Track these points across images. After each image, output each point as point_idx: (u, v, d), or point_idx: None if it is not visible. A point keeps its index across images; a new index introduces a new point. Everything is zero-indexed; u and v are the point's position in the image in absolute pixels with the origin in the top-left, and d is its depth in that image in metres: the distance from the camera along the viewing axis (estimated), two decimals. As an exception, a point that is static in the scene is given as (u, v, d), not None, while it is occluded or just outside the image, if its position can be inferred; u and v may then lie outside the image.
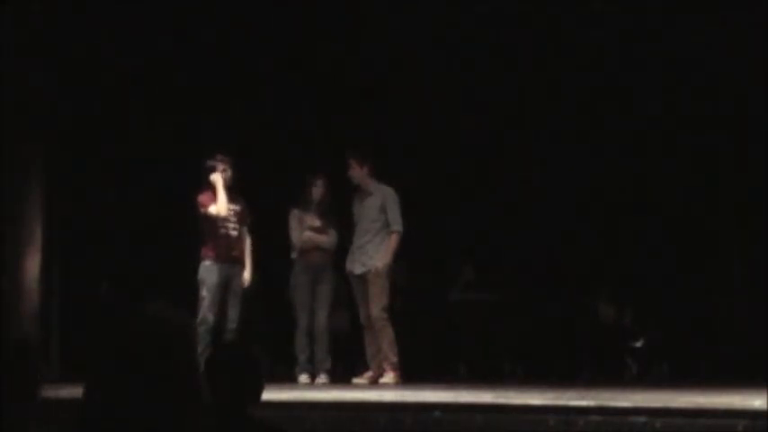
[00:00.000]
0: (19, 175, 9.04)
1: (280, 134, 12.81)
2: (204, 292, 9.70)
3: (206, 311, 9.64)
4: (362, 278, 9.98)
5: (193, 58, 12.48)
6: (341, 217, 10.27)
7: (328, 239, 10.26)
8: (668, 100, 12.36)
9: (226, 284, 9.81)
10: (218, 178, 9.82)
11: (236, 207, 9.93)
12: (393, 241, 9.95)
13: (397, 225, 9.94)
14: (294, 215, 10.32)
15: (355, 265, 10.03)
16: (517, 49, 12.56)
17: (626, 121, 12.54)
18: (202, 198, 9.87)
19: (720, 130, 12.13)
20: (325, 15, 12.56)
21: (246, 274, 9.95)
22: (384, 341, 9.85)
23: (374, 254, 9.93)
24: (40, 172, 9.14)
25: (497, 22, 12.40)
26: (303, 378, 10.13)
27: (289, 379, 10.15)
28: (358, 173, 10.04)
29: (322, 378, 10.06)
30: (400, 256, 10.43)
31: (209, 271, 9.75)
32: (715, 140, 12.21)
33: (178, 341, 2.12)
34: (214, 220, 9.78)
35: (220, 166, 9.85)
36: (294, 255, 10.34)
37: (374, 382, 9.77)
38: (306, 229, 10.26)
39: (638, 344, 12.24)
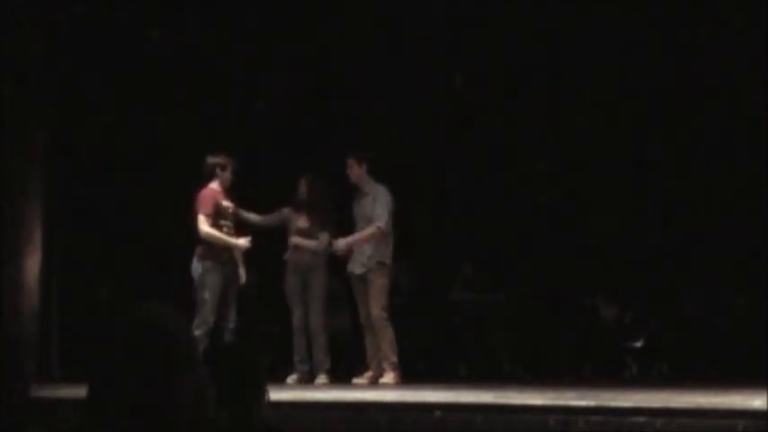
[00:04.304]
0: (19, 175, 9.03)
1: (277, 134, 12.80)
2: (206, 294, 9.62)
3: (208, 313, 9.58)
4: (362, 278, 9.99)
5: (192, 57, 12.48)
6: (339, 217, 10.23)
7: (316, 242, 10.22)
8: (669, 98, 12.37)
9: (226, 285, 9.78)
10: (239, 244, 9.77)
11: (233, 206, 9.92)
12: (369, 231, 9.94)
13: (381, 221, 9.92)
14: (284, 214, 10.36)
15: (355, 266, 10.04)
16: (518, 50, 12.59)
17: (625, 120, 12.54)
18: (204, 198, 9.75)
19: (722, 131, 12.13)
20: (326, 15, 12.57)
21: (242, 273, 9.94)
22: (384, 341, 9.85)
23: (374, 253, 9.93)
24: (41, 172, 9.14)
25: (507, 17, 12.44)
26: (290, 379, 10.13)
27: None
28: (356, 172, 10.05)
29: (321, 378, 10.05)
30: (401, 256, 10.44)
31: (211, 272, 9.67)
32: (716, 141, 12.21)
33: (172, 340, 2.12)
34: (215, 222, 9.74)
35: (225, 168, 9.79)
36: (286, 256, 10.36)
37: (374, 382, 9.77)
38: (294, 231, 10.27)
39: (638, 344, 12.24)
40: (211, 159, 9.83)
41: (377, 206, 9.94)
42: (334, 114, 12.76)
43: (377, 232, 9.92)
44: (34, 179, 9.22)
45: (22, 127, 9.15)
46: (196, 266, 9.73)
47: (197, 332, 9.34)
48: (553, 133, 12.80)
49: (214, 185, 9.79)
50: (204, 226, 9.65)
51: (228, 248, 9.76)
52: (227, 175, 9.79)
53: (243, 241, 9.77)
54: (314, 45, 12.74)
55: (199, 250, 9.75)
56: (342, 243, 9.96)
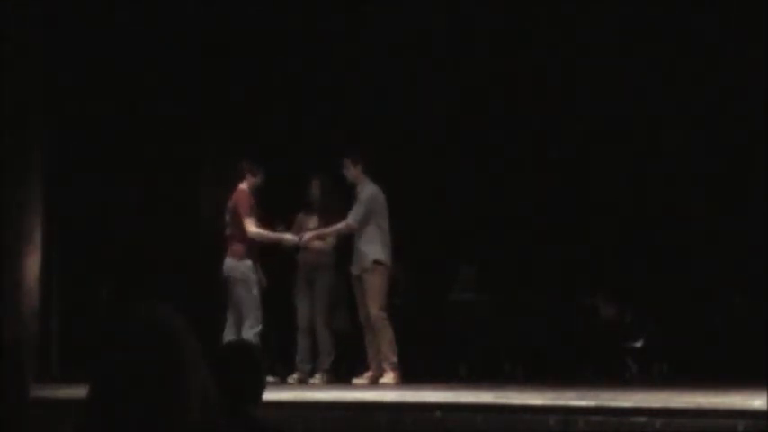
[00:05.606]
0: (19, 175, 9.05)
1: (286, 136, 12.79)
2: (255, 292, 9.70)
3: (258, 312, 9.63)
4: (359, 278, 10.01)
5: (193, 58, 12.48)
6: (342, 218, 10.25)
7: (322, 242, 10.26)
8: (669, 98, 12.36)
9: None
10: (288, 239, 9.91)
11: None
12: (337, 227, 10.03)
13: (351, 218, 9.97)
14: (297, 219, 10.41)
15: (354, 266, 10.07)
16: (513, 46, 12.59)
17: (625, 120, 12.54)
18: (243, 201, 9.78)
19: (722, 131, 12.13)
20: (326, 18, 12.58)
21: (261, 276, 10.04)
22: (383, 341, 9.85)
23: (369, 252, 9.94)
24: (41, 171, 9.17)
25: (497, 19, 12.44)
26: (291, 378, 10.16)
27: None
28: (352, 172, 10.08)
29: (315, 378, 10.06)
30: (401, 256, 10.43)
31: (253, 271, 9.75)
32: (716, 140, 12.21)
33: (172, 340, 2.12)
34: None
35: (255, 175, 9.84)
36: (298, 256, 10.42)
37: (374, 382, 9.78)
38: (304, 231, 10.29)
39: (638, 344, 12.23)
40: (246, 163, 9.88)
41: (356, 204, 10.00)
42: (334, 115, 12.74)
43: (343, 228, 10.02)
44: (34, 179, 9.23)
45: (22, 126, 9.15)
46: (236, 265, 9.73)
47: (252, 331, 9.39)
48: (553, 133, 12.79)
49: (243, 187, 9.84)
50: (252, 227, 9.72)
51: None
52: (257, 181, 9.85)
53: (289, 236, 9.90)
54: (315, 46, 12.73)
55: (238, 249, 9.75)
56: (306, 236, 10.05)
